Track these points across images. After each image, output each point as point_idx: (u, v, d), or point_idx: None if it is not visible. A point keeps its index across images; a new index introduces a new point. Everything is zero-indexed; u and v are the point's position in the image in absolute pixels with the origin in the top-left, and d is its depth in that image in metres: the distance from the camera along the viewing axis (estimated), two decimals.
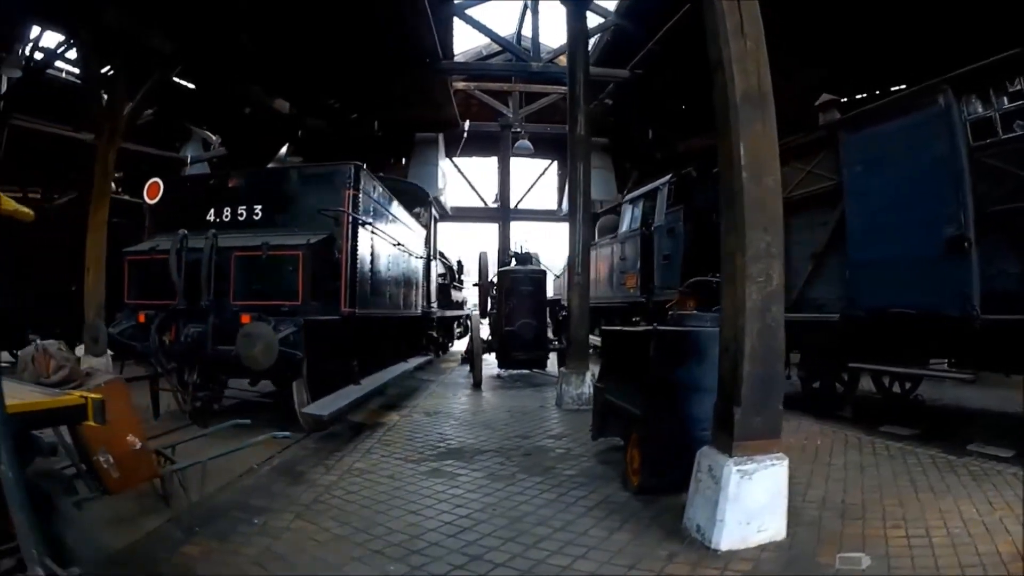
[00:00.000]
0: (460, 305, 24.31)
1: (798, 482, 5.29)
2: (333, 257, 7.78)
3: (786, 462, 4.41)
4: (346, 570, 3.89)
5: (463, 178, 29.70)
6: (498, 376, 14.24)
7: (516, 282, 13.40)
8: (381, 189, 9.58)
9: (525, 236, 23.09)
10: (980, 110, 6.88)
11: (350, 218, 7.86)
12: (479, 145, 26.93)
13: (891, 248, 7.79)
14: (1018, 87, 6.49)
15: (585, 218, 11.13)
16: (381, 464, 6.30)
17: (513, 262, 14.48)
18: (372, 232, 8.82)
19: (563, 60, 21.71)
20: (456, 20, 16.98)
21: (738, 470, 4.23)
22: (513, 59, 19.43)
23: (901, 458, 6.52)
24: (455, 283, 22.52)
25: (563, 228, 21.31)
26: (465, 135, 25.43)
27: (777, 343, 4.49)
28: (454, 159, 28.73)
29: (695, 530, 4.39)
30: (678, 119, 19.95)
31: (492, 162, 27.73)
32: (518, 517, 4.83)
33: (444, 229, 19.49)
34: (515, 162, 26.27)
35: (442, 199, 25.22)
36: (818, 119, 9.20)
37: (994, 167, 6.65)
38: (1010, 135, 6.55)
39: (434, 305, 15.36)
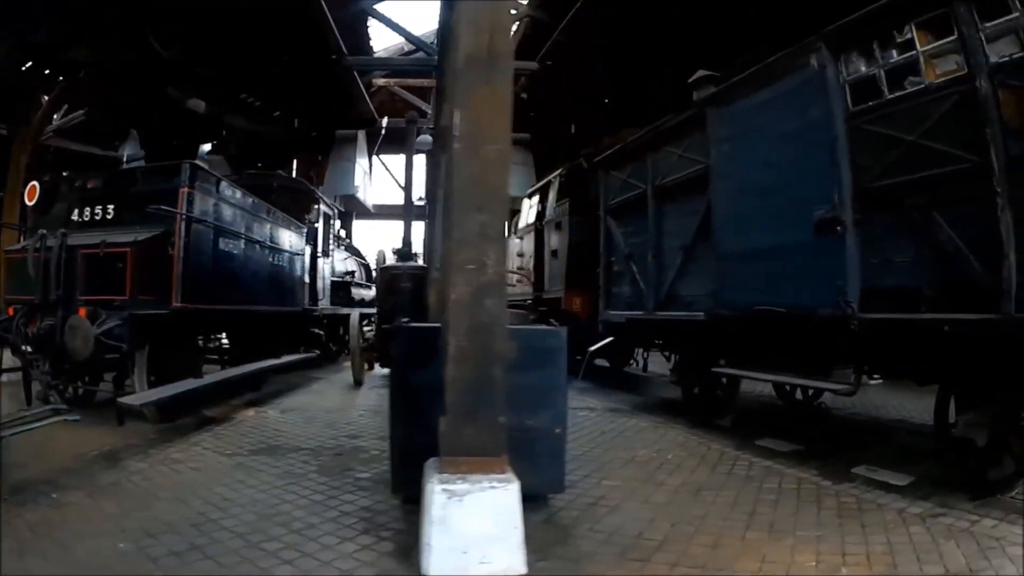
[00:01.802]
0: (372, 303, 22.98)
1: (605, 504, 4.63)
2: (166, 253, 7.68)
3: (514, 485, 3.54)
4: (89, 541, 3.88)
5: (389, 175, 27.96)
6: (384, 376, 13.07)
7: (396, 279, 12.00)
8: (231, 186, 9.41)
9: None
10: (863, 69, 5.30)
11: (183, 215, 7.77)
12: (403, 142, 25.08)
13: (758, 237, 6.26)
14: (908, 35, 4.88)
15: (448, 208, 9.60)
16: (197, 456, 6.04)
17: (394, 258, 13.03)
18: (215, 228, 8.68)
19: None
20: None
21: (444, 489, 3.46)
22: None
23: (759, 481, 5.27)
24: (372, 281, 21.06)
25: None
26: (383, 132, 24.27)
27: (495, 343, 3.71)
28: (380, 156, 27.35)
29: (421, 552, 3.56)
30: (604, 112, 18.70)
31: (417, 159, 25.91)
32: (269, 515, 4.40)
33: (377, 226, 19.13)
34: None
35: (360, 196, 24.12)
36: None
37: (879, 134, 5.08)
38: (898, 94, 4.96)
39: (322, 302, 14.44)
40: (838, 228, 5.23)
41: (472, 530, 3.43)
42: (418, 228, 13.66)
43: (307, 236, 13.37)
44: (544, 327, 4.96)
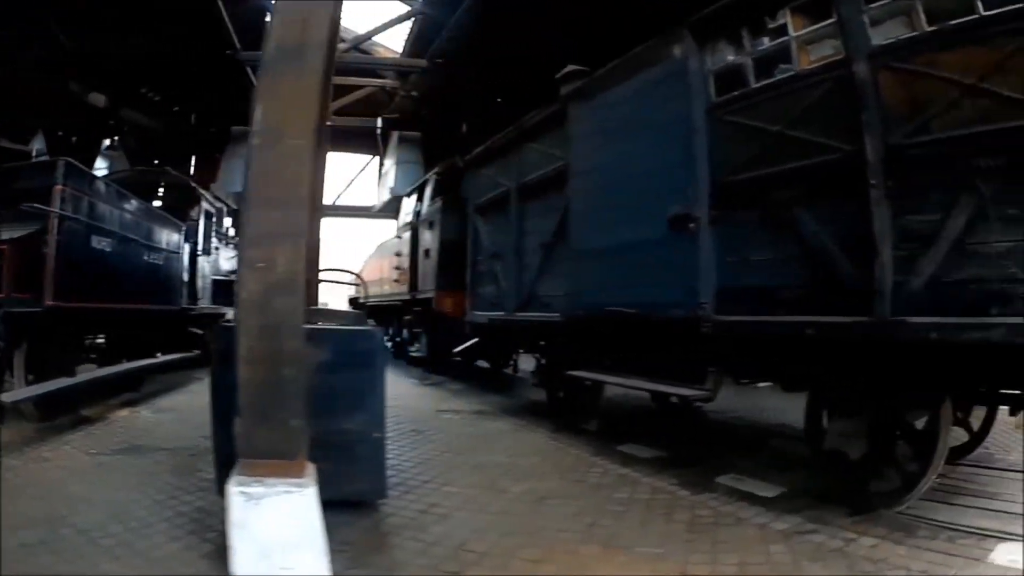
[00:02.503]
0: None
1: (436, 512, 4.28)
2: (40, 252, 7.27)
3: (311, 490, 3.37)
4: None
5: None
6: None
7: None
8: (107, 184, 9.06)
9: None
10: (730, 58, 4.85)
11: (56, 213, 7.32)
12: None
13: (612, 234, 5.76)
14: (782, 21, 4.44)
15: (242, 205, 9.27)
16: (66, 455, 5.85)
17: None
18: (89, 226, 8.21)
19: (383, 52, 20.11)
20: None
21: (241, 492, 3.31)
22: None
23: (611, 490, 4.75)
24: None
25: (381, 224, 19.78)
26: None
27: (288, 343, 3.47)
28: None
29: (228, 555, 3.40)
30: (499, 112, 18.06)
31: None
32: (115, 514, 4.19)
33: None
34: (337, 157, 23.63)
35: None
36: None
37: (742, 126, 4.62)
38: (765, 82, 4.51)
39: (202, 302, 13.77)
40: (691, 225, 4.75)
41: (271, 534, 3.33)
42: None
43: (187, 234, 12.72)
44: (358, 328, 4.53)
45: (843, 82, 3.98)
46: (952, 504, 4.35)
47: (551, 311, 6.80)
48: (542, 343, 7.88)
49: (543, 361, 8.06)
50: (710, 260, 4.74)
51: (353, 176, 25.94)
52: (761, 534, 3.79)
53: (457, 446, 6.24)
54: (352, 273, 13.77)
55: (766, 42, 4.59)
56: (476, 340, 9.40)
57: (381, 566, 3.48)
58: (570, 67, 6.94)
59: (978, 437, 5.25)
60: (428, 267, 11.67)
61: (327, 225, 21.44)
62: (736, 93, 4.72)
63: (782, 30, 4.43)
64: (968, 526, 3.89)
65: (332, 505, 3.55)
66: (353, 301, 18.31)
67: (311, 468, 3.48)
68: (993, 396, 4.57)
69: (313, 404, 3.59)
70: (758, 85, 4.55)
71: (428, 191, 12.57)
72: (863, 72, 3.85)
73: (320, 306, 14.19)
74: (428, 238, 11.96)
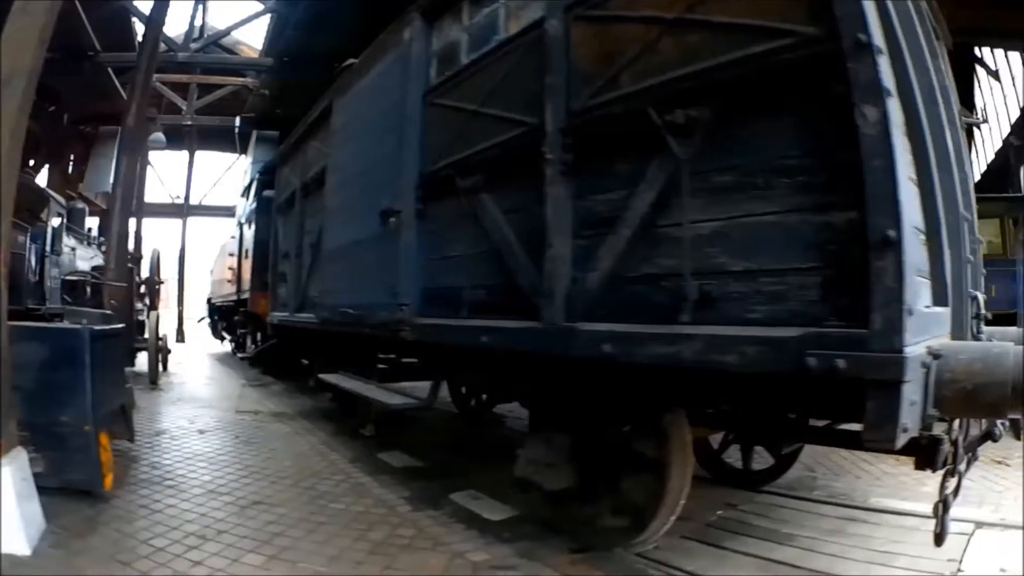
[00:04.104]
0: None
1: (154, 507, 4.06)
2: None
3: (7, 470, 3.28)
4: None
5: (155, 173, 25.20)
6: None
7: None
8: None
9: None
10: (450, 37, 4.22)
11: None
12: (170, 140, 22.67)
13: (346, 232, 5.17)
14: None
15: None
16: None
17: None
18: None
19: (247, 51, 19.14)
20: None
21: None
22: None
23: (331, 499, 4.29)
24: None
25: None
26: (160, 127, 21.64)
27: None
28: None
29: None
30: None
31: (183, 156, 23.56)
32: None
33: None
34: (205, 157, 23.32)
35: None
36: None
37: (451, 108, 3.96)
38: (471, 58, 3.88)
39: (50, 302, 12.31)
40: (391, 220, 4.15)
41: None
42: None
43: (34, 236, 11.62)
44: (64, 327, 4.39)
45: (536, 44, 3.25)
46: (720, 546, 3.48)
47: (313, 313, 6.17)
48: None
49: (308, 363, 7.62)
50: (412, 258, 4.11)
51: (219, 176, 24.85)
52: (447, 563, 3.24)
53: (227, 448, 5.79)
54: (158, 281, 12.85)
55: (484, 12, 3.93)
56: (274, 341, 8.73)
57: (77, 550, 3.37)
58: (349, 60, 6.33)
59: (786, 461, 4.37)
60: (247, 267, 10.96)
61: (195, 225, 20.72)
62: (448, 74, 4.10)
63: None
64: None
65: (64, 492, 3.86)
66: (208, 302, 17.46)
67: (17, 451, 3.47)
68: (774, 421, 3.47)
69: (29, 397, 3.66)
70: (466, 62, 3.94)
71: (253, 191, 11.82)
72: (555, 28, 3.11)
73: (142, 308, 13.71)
74: (248, 238, 11.26)
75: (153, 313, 12.41)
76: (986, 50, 14.35)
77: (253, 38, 18.77)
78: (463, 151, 3.78)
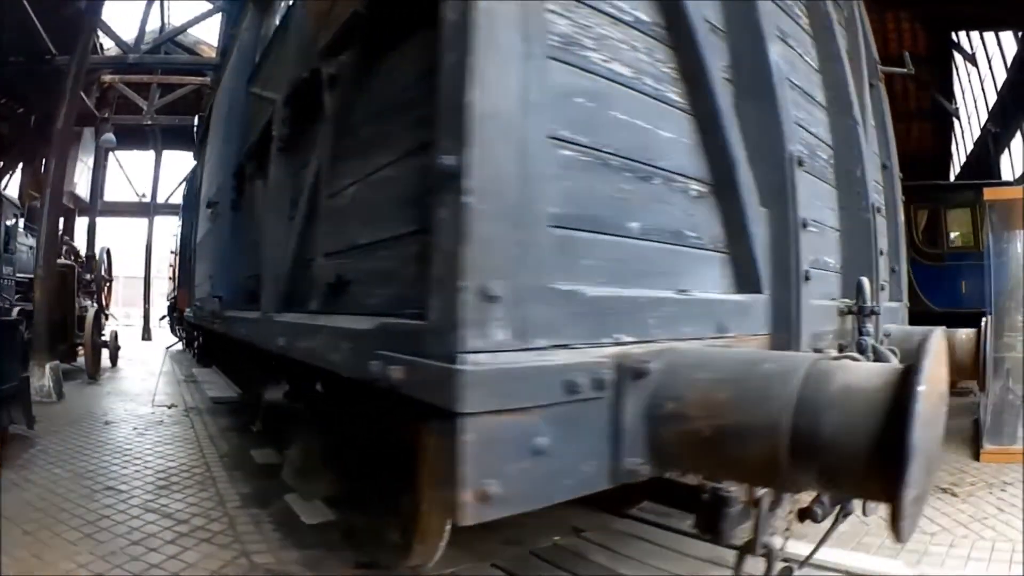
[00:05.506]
0: None
1: None
2: None
3: None
4: None
5: (123, 172, 25.03)
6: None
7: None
8: None
9: None
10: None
11: None
12: (133, 139, 22.27)
13: (203, 226, 5.32)
14: None
15: None
16: None
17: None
18: None
19: (207, 50, 19.08)
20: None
21: None
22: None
23: (169, 491, 4.28)
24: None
25: None
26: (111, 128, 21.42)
27: None
28: (115, 152, 23.68)
29: None
30: None
31: (149, 156, 23.54)
32: None
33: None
34: (173, 156, 22.70)
35: (76, 191, 21.28)
36: None
37: (254, 96, 3.82)
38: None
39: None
40: (211, 212, 4.29)
41: None
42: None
43: None
44: None
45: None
46: None
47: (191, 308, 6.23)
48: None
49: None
50: (227, 249, 4.25)
51: (186, 175, 24.70)
52: (225, 563, 3.14)
53: (120, 438, 5.89)
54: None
55: None
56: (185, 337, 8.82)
57: None
58: None
59: None
60: (176, 264, 10.98)
61: (163, 225, 20.53)
62: (257, 59, 4.26)
63: None
64: None
65: None
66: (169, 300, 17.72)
67: None
68: None
69: None
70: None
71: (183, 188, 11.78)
72: None
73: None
74: (184, 233, 11.08)
75: (91, 309, 12.45)
76: (962, 34, 14.08)
77: (212, 37, 18.34)
78: (253, 136, 3.76)
